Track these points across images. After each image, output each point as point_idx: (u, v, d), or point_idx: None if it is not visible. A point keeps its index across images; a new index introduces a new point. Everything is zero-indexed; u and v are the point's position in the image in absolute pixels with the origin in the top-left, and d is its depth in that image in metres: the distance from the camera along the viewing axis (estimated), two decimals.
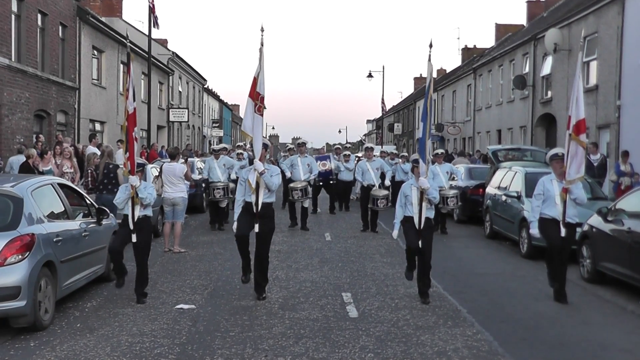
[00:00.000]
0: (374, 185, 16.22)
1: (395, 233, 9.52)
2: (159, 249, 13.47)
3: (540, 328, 8.17)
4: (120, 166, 12.07)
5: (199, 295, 9.63)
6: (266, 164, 9.38)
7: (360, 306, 9.03)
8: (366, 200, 16.28)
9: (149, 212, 9.45)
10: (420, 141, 9.44)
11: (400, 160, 21.30)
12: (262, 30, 9.27)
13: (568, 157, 9.34)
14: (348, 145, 25.48)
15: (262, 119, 9.38)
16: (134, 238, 9.11)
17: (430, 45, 9.42)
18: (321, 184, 19.33)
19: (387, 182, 16.99)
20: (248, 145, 17.10)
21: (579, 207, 9.68)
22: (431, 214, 9.38)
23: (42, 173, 13.71)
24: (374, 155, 17.64)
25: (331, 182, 20.25)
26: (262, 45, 9.31)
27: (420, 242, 9.19)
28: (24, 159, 14.29)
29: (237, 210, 9.41)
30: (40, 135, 19.89)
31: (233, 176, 16.28)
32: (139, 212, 9.19)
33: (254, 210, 9.21)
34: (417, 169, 9.31)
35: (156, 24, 25.25)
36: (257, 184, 9.17)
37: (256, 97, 9.29)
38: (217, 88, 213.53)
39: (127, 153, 9.29)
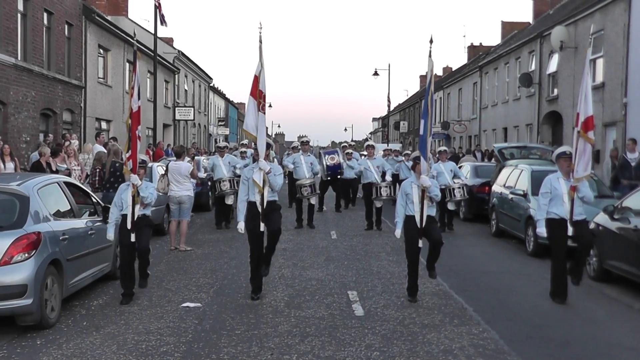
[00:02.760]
0: (374, 183, 16.26)
1: (397, 232, 9.39)
2: (165, 247, 13.51)
3: (546, 326, 8.15)
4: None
5: (205, 294, 9.64)
6: (269, 163, 9.34)
7: (366, 304, 9.02)
8: (369, 198, 16.30)
9: (147, 211, 9.46)
10: (421, 138, 9.36)
11: (404, 158, 21.27)
12: (260, 27, 9.21)
13: (576, 155, 9.25)
14: (352, 143, 25.42)
15: (265, 117, 9.28)
16: (132, 238, 9.12)
17: (431, 41, 9.28)
18: (329, 179, 19.21)
19: (389, 179, 16.96)
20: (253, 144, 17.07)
21: (586, 205, 9.62)
22: (432, 212, 9.33)
23: (54, 171, 13.74)
24: (382, 152, 17.59)
25: (339, 176, 20.09)
26: (260, 42, 9.21)
27: (422, 242, 9.18)
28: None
29: (242, 210, 9.29)
30: (50, 135, 19.95)
31: (238, 172, 16.26)
32: (138, 212, 9.19)
33: (259, 210, 9.15)
34: (418, 166, 9.21)
35: (163, 22, 25.27)
36: (263, 182, 9.14)
37: (259, 95, 9.20)
38: (223, 86, 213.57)
39: (130, 151, 9.27)
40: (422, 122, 9.33)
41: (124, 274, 9.17)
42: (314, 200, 16.89)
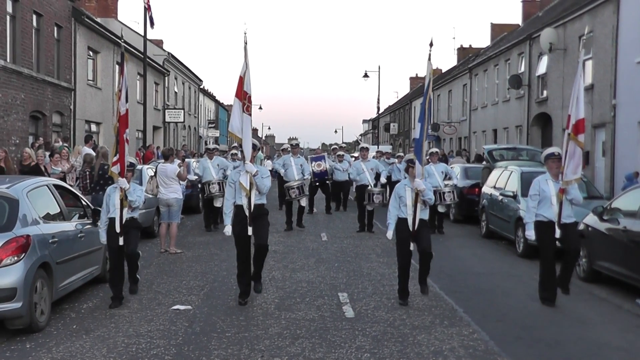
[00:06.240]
0: (368, 186, 16.25)
1: (389, 233, 9.37)
2: (155, 250, 13.47)
3: (536, 327, 8.18)
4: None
5: (195, 296, 9.62)
6: (256, 165, 9.27)
7: (356, 306, 9.03)
8: (362, 200, 16.30)
9: (135, 213, 9.44)
10: (416, 142, 9.33)
11: (396, 160, 21.30)
12: (245, 27, 9.16)
13: (566, 157, 9.19)
14: (343, 145, 25.43)
15: (250, 118, 9.18)
16: (120, 241, 9.09)
17: (431, 44, 9.23)
18: (317, 184, 19.26)
19: (383, 180, 16.98)
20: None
21: (575, 206, 9.61)
22: (425, 215, 9.29)
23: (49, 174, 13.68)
24: (375, 155, 17.55)
25: (327, 182, 20.16)
26: (245, 43, 9.17)
27: (413, 245, 9.14)
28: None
29: (228, 213, 9.21)
30: (40, 138, 19.86)
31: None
32: (126, 215, 9.16)
33: (246, 214, 9.06)
34: (412, 169, 9.16)
35: (152, 24, 25.20)
36: (250, 185, 9.06)
37: (244, 96, 9.14)
38: (213, 88, 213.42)
39: (117, 155, 9.22)
40: (419, 125, 9.29)
41: (113, 277, 9.15)
42: (304, 202, 16.88)
